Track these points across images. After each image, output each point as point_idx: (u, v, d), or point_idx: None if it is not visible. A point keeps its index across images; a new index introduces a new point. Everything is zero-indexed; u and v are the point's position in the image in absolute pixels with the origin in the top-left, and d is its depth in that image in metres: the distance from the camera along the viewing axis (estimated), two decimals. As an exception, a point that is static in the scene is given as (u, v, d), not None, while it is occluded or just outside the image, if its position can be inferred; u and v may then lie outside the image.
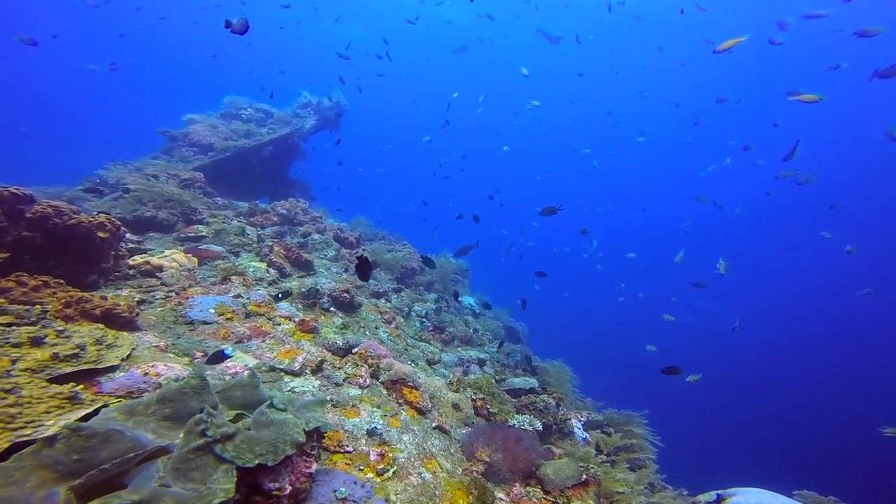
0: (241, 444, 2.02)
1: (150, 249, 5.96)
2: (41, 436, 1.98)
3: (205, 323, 4.18)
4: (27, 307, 3.15)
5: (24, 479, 1.76)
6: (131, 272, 4.94)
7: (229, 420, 2.25)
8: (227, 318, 4.35)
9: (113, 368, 2.99)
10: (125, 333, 3.40)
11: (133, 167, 9.62)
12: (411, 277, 8.75)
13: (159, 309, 4.26)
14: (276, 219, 8.42)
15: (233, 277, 5.26)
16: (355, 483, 2.64)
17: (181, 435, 2.15)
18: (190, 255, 5.69)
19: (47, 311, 3.25)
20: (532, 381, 5.96)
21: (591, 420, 5.62)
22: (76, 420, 2.13)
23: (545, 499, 3.58)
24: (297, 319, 4.84)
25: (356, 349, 4.55)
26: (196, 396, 2.30)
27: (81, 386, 2.58)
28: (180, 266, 5.39)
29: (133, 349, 3.25)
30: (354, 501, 2.51)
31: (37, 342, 2.74)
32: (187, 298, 4.50)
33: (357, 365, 4.22)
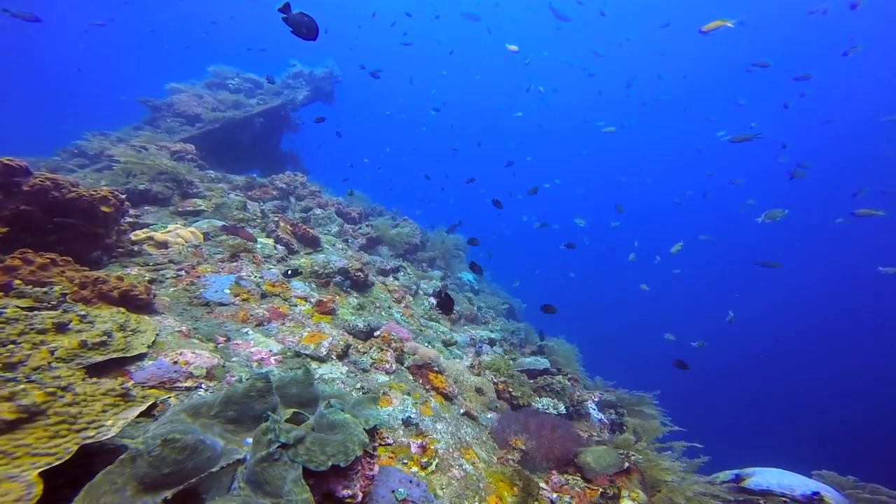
0: (311, 447, 1.92)
1: (150, 224, 5.68)
2: (104, 437, 1.85)
3: (221, 304, 4.01)
4: (45, 289, 2.94)
5: (124, 487, 1.66)
6: (135, 248, 4.69)
7: (286, 420, 2.15)
8: (244, 299, 4.19)
9: (141, 356, 2.83)
10: (146, 318, 3.23)
11: (115, 138, 9.15)
12: (413, 253, 8.63)
13: (171, 289, 4.07)
14: (275, 192, 8.13)
15: (242, 254, 5.05)
16: (410, 482, 2.58)
17: (250, 442, 2.05)
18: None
19: (66, 294, 3.04)
20: (543, 361, 5.97)
21: (603, 400, 5.69)
22: (134, 418, 2.00)
23: (589, 488, 3.58)
24: (313, 300, 4.69)
25: (378, 332, 4.45)
26: (261, 399, 2.18)
27: (121, 379, 2.44)
28: (186, 242, 5.16)
29: (157, 335, 3.08)
30: (413, 502, 2.45)
31: (62, 328, 2.56)
32: (199, 277, 4.31)
33: (382, 350, 4.13)
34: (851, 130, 32.90)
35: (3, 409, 1.71)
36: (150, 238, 4.98)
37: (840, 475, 4.86)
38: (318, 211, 7.98)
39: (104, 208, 4.35)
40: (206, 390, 2.88)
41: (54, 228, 4.16)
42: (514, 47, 13.64)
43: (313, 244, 6.37)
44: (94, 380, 2.14)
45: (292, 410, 2.37)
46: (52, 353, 2.28)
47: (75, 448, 1.74)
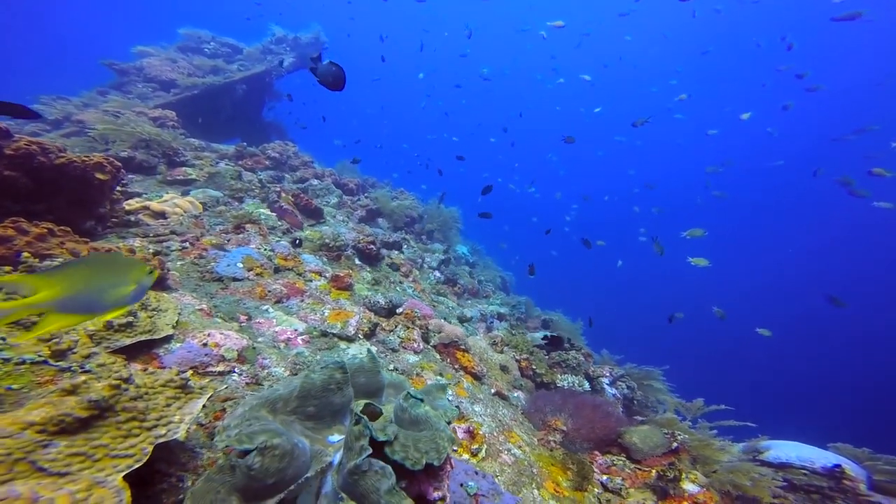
0: (406, 443, 1.77)
1: (140, 193, 5.28)
2: (175, 436, 1.65)
3: (235, 279, 3.75)
4: (58, 264, 2.63)
5: (228, 497, 1.53)
6: (132, 218, 4.33)
7: (360, 412, 1.98)
8: (258, 274, 3.93)
9: (167, 339, 2.59)
10: (165, 295, 2.96)
11: (79, 103, 8.45)
12: (412, 226, 8.40)
13: (179, 263, 3.77)
14: (267, 162, 7.70)
15: (247, 225, 4.75)
16: (476, 473, 2.48)
17: (334, 441, 1.88)
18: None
19: None
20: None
21: (612, 374, 5.72)
22: (200, 411, 1.80)
23: (640, 469, 3.54)
24: (328, 275, 4.46)
25: (400, 309, 4.27)
26: (339, 392, 2.00)
27: (156, 363, 2.21)
28: (185, 212, 4.80)
29: (179, 314, 2.83)
30: (484, 496, 2.35)
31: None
32: (206, 250, 4.01)
33: (408, 328, 3.96)
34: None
35: (72, 404, 1.49)
36: (147, 208, 4.61)
37: (854, 447, 4.93)
38: (315, 182, 7.62)
39: (99, 175, 3.97)
40: (240, 375, 2.68)
41: (43, 196, 3.78)
42: (559, 23, 13.09)
43: (316, 215, 6.07)
44: (153, 370, 1.91)
45: (363, 402, 2.21)
46: (91, 337, 2.03)
47: (151, 449, 1.54)
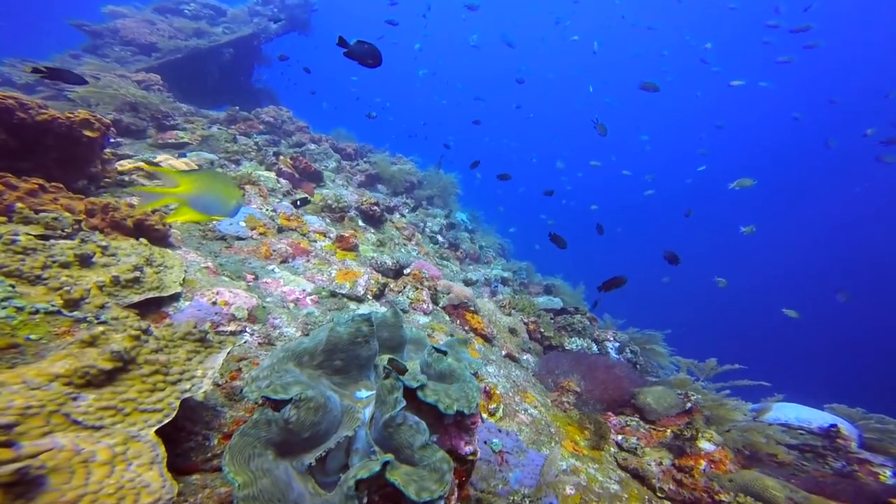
0: (437, 390, 1.70)
1: (130, 156, 5.05)
2: (199, 391, 1.57)
3: (239, 238, 3.62)
4: (54, 215, 2.48)
5: (265, 452, 1.48)
6: (126, 178, 4.14)
7: (385, 367, 1.90)
8: (261, 233, 3.80)
9: (176, 297, 2.48)
10: (169, 251, 2.83)
11: (51, 66, 7.98)
12: (411, 192, 8.22)
13: (179, 221, 3.62)
14: (261, 127, 7.43)
15: (246, 186, 4.57)
16: (500, 431, 2.45)
17: (361, 396, 1.81)
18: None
19: (80, 221, 2.60)
20: (557, 301, 5.92)
21: (616, 339, 5.73)
22: (221, 365, 1.71)
23: (654, 429, 3.54)
24: (332, 235, 4.34)
25: (408, 270, 4.18)
26: (366, 345, 1.91)
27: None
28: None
29: (185, 271, 2.71)
30: (509, 452, 2.31)
31: (85, 262, 2.16)
32: (206, 211, 3.86)
33: (417, 288, 3.87)
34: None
35: (94, 356, 1.40)
36: (140, 168, 4.40)
37: (849, 407, 5.03)
38: (312, 146, 7.38)
39: (87, 132, 3.76)
40: (252, 335, 2.59)
41: (28, 154, 3.58)
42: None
43: (316, 179, 5.89)
44: (168, 323, 1.81)
45: (387, 356, 2.14)
46: (101, 289, 1.91)
47: (178, 403, 1.47)
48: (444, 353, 1.94)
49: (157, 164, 4.57)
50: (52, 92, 7.19)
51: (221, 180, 1.81)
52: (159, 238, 3.02)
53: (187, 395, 1.55)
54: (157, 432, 1.48)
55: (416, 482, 1.52)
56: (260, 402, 2.15)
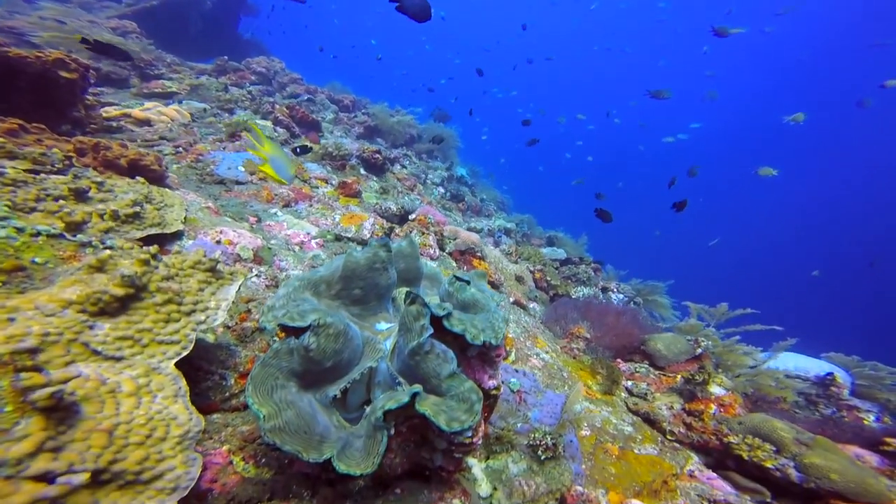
0: (462, 319, 1.61)
1: (115, 104, 4.78)
2: (215, 323, 1.47)
3: (239, 182, 3.46)
4: (42, 150, 2.31)
5: (287, 383, 1.44)
6: (114, 124, 3.92)
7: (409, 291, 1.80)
8: (261, 178, 3.63)
9: (178, 235, 2.35)
10: (168, 191, 2.67)
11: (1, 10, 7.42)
12: (411, 145, 7.97)
13: (175, 166, 3.45)
14: (253, 77, 7.07)
15: (242, 134, 4.36)
16: (517, 371, 2.39)
17: (381, 328, 1.72)
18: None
19: (72, 157, 2.43)
20: (560, 252, 5.85)
21: (619, 290, 5.71)
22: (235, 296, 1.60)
23: (664, 375, 3.51)
24: (334, 182, 4.18)
25: (413, 215, 4.04)
26: (384, 273, 1.81)
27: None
28: (172, 120, 4.37)
29: (186, 210, 2.56)
30: (527, 392, 2.26)
31: (81, 196, 2.01)
32: (202, 154, 3.67)
33: (423, 233, 3.75)
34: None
35: (105, 281, 1.29)
36: (128, 115, 4.17)
37: (846, 356, 5.08)
38: (308, 97, 7.05)
39: (64, 74, 3.50)
40: (259, 276, 2.48)
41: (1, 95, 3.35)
42: None
43: (314, 128, 5.64)
44: (177, 250, 1.70)
45: (405, 289, 2.04)
46: (101, 216, 1.78)
47: (195, 336, 1.38)
48: (467, 282, 1.85)
49: (147, 112, 4.32)
50: (12, 39, 6.71)
51: (286, 156, 2.29)
52: (156, 179, 2.85)
53: (203, 327, 1.46)
54: (179, 368, 1.41)
55: (446, 412, 1.46)
56: (277, 331, 2.06)
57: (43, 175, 2.05)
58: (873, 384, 4.60)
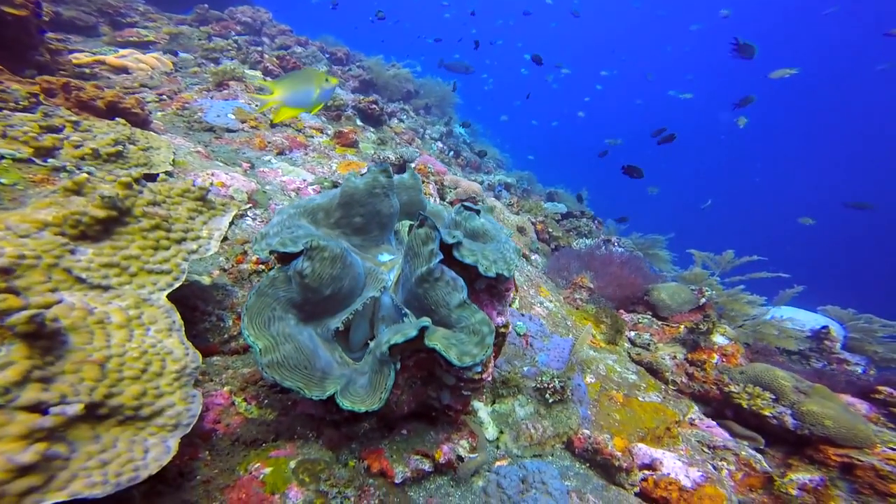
0: (473, 249, 1.51)
1: (85, 51, 4.50)
2: (208, 252, 1.38)
3: (229, 130, 3.30)
4: (1, 87, 2.14)
5: (285, 315, 1.37)
6: (87, 71, 3.69)
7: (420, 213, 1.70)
8: (253, 126, 3.47)
9: (168, 176, 2.22)
10: (153, 134, 2.52)
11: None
12: (408, 100, 7.71)
13: (159, 113, 3.27)
14: (238, 28, 6.70)
15: (230, 83, 4.14)
16: (523, 315, 2.33)
17: (385, 259, 1.63)
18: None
19: (37, 95, 2.26)
20: (561, 206, 5.76)
21: (619, 244, 5.64)
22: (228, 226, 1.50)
23: (667, 325, 3.47)
24: (329, 132, 4.01)
25: (412, 164, 3.91)
26: (386, 199, 1.70)
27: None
28: (152, 68, 4.14)
29: (174, 153, 2.43)
30: (533, 336, 2.20)
31: (54, 133, 1.87)
32: (189, 102, 3.49)
33: (423, 182, 3.63)
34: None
35: (83, 202, 1.19)
36: (102, 62, 3.92)
37: (841, 309, 5.07)
38: (299, 49, 6.74)
39: (10, 10, 3.18)
40: (255, 219, 2.38)
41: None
42: None
43: (305, 78, 5.39)
44: (164, 177, 1.58)
45: (408, 223, 1.95)
46: (76, 147, 1.65)
47: (187, 265, 1.29)
48: (477, 211, 1.75)
49: (123, 59, 4.07)
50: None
51: (303, 76, 2.02)
52: (139, 123, 2.69)
53: (195, 256, 1.36)
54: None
55: (457, 346, 1.38)
56: (271, 261, 1.98)
57: (6, 112, 1.89)
58: (865, 337, 4.63)
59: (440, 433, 1.87)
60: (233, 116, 3.40)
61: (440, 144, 6.47)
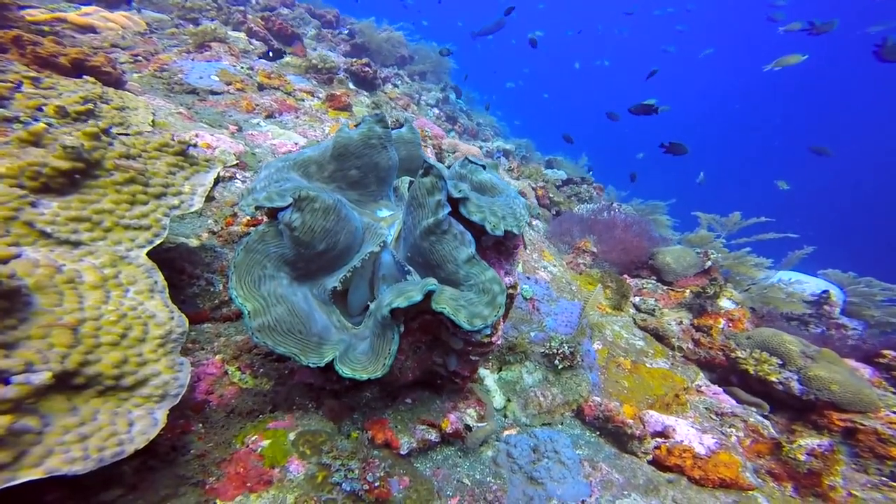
0: (480, 205, 1.38)
1: (40, 7, 4.19)
2: (191, 209, 1.24)
3: (214, 92, 3.11)
4: None
5: (277, 273, 1.26)
6: (46, 28, 3.40)
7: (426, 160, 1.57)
8: (239, 89, 3.27)
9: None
10: (129, 94, 2.35)
11: None
12: (402, 66, 7.42)
13: (136, 75, 3.07)
14: (217, -14, 6.33)
15: (212, 44, 3.90)
16: (528, 278, 2.22)
17: (383, 214, 1.50)
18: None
19: None
20: (560, 172, 5.61)
21: (620, 210, 5.52)
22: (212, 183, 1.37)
23: (672, 290, 3.38)
24: (321, 95, 3.81)
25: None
26: (383, 151, 1.56)
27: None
28: (123, 28, 3.87)
29: (153, 114, 2.26)
30: (540, 300, 2.10)
31: (14, 90, 1.70)
32: (167, 64, 3.27)
33: (421, 145, 3.46)
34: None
35: (42, 153, 1.06)
36: (62, 20, 3.64)
37: (842, 272, 4.99)
38: (285, 10, 6.40)
39: None
40: (244, 182, 2.23)
41: None
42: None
43: (294, 41, 5.12)
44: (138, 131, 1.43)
45: (407, 179, 1.81)
46: (38, 110, 1.49)
47: (167, 221, 1.17)
48: (482, 166, 1.61)
49: (87, 17, 3.79)
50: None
51: None
52: (112, 83, 2.49)
53: (177, 212, 1.23)
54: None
55: (466, 308, 1.27)
56: (261, 218, 1.85)
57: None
58: (864, 301, 4.58)
59: (446, 402, 1.78)
60: (217, 78, 3.21)
61: (436, 111, 6.25)
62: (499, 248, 1.56)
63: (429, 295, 1.23)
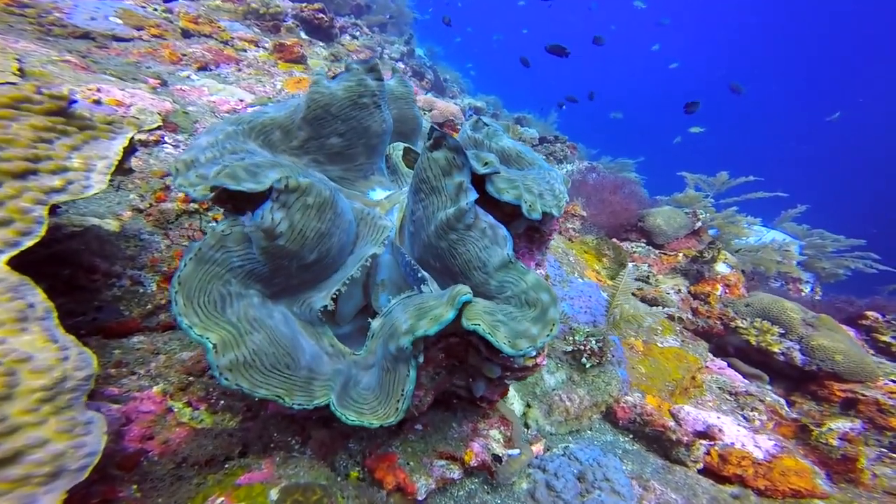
0: (513, 179, 0.97)
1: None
2: (89, 190, 0.76)
3: (118, 38, 2.45)
4: None
5: (246, 291, 0.89)
6: None
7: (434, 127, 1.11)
8: (156, 35, 2.62)
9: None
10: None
11: None
12: (359, 16, 6.62)
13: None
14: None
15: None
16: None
17: (376, 196, 1.07)
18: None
19: None
20: (532, 131, 5.29)
21: (594, 166, 5.29)
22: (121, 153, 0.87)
23: (665, 254, 3.13)
24: (267, 45, 3.18)
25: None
26: (376, 111, 1.14)
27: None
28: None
29: (18, 59, 1.63)
30: (552, 282, 1.73)
31: None
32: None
33: (393, 102, 2.96)
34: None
35: None
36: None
37: (797, 224, 4.95)
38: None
39: None
40: (176, 147, 1.69)
41: None
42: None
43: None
44: None
45: (402, 145, 1.36)
46: None
47: (45, 213, 0.80)
48: (500, 130, 1.19)
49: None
50: None
51: None
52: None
53: (62, 196, 0.77)
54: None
55: (505, 325, 0.86)
56: (209, 202, 1.36)
57: None
58: (817, 253, 4.60)
59: (464, 423, 1.41)
60: (118, 20, 2.53)
61: (401, 65, 5.62)
62: (531, 236, 1.15)
63: (462, 308, 0.82)
